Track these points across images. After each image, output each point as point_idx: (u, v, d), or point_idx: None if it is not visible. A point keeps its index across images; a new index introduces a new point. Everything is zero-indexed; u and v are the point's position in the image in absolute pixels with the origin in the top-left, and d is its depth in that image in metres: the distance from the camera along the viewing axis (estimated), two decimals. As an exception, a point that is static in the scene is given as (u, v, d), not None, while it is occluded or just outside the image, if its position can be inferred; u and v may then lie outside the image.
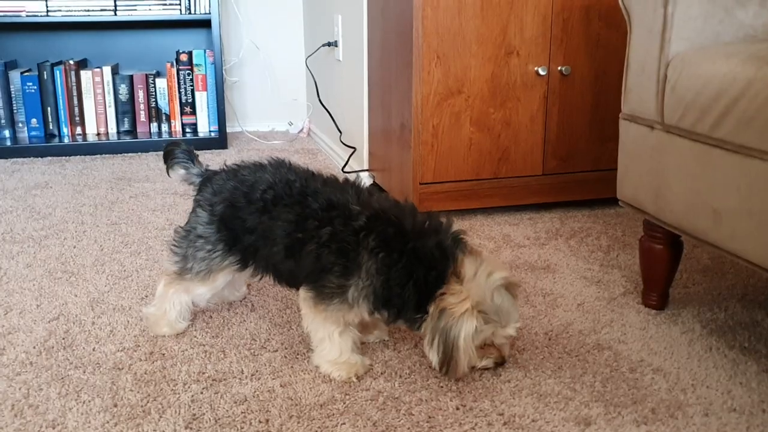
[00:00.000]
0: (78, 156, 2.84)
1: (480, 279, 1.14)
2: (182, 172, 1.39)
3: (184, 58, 2.97)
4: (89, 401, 1.17)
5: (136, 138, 2.94)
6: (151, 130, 3.03)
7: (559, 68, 1.97)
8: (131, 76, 3.00)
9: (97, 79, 2.98)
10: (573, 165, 2.08)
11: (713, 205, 1.22)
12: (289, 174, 1.27)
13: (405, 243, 1.14)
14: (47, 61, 2.99)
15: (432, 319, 1.14)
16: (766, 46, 1.19)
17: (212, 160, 2.76)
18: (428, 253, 1.14)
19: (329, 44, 2.70)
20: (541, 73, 1.96)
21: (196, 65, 2.98)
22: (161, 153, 1.42)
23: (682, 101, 1.26)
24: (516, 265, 1.72)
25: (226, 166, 1.37)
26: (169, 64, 3.00)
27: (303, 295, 1.22)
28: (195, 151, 1.41)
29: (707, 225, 1.24)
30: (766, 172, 1.10)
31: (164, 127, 3.04)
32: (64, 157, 2.81)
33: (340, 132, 2.66)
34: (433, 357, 1.16)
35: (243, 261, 1.30)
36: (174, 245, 1.36)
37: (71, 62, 2.93)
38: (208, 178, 1.35)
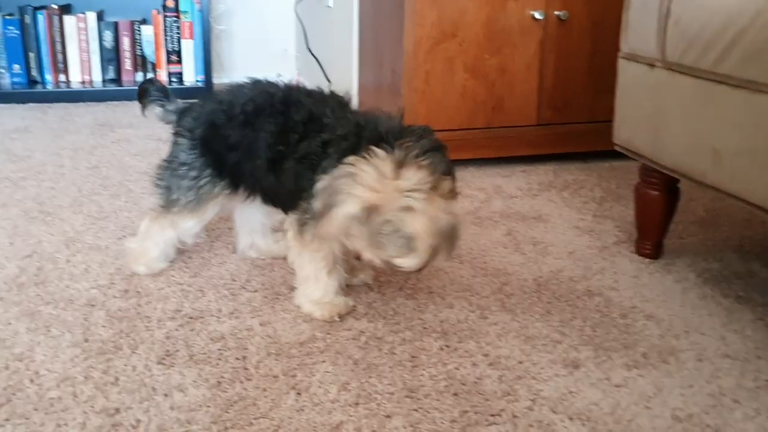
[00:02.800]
0: (60, 103, 2.75)
1: (401, 185, 1.00)
2: (158, 110, 1.32)
3: (170, 4, 2.87)
4: (59, 336, 1.12)
5: (121, 86, 2.85)
6: (137, 79, 2.94)
7: (556, 13, 1.90)
8: (116, 23, 2.90)
9: (81, 25, 2.87)
10: (568, 116, 2.01)
11: (714, 145, 1.17)
12: (269, 87, 1.21)
13: (363, 147, 1.05)
14: (29, 5, 2.88)
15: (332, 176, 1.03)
16: (776, -23, 1.13)
17: (199, 109, 2.68)
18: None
19: (321, -9, 2.61)
20: (538, 17, 1.88)
21: (183, 12, 2.88)
22: None
23: (685, 36, 1.20)
24: (507, 215, 1.67)
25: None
26: (155, 11, 2.90)
27: (289, 220, 1.18)
28: (169, 92, 1.34)
29: (706, 166, 1.19)
30: (772, 107, 1.05)
31: (150, 76, 2.95)
32: (46, 104, 2.72)
33: (330, 81, 2.59)
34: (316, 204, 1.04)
35: (233, 184, 1.24)
36: (157, 179, 1.30)
37: (54, 6, 2.83)
38: (185, 109, 1.30)
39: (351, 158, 1.02)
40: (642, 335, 1.16)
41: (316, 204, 1.08)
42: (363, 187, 0.99)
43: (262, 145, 1.16)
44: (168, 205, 1.28)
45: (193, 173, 1.25)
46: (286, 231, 1.21)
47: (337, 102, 1.18)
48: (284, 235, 1.44)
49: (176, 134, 1.28)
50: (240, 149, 1.20)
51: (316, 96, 1.19)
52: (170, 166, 1.28)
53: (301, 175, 1.12)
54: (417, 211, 0.99)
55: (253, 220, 1.39)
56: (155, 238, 1.31)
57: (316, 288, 1.19)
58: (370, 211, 0.99)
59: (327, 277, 1.18)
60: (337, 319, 1.17)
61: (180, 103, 1.33)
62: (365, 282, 1.31)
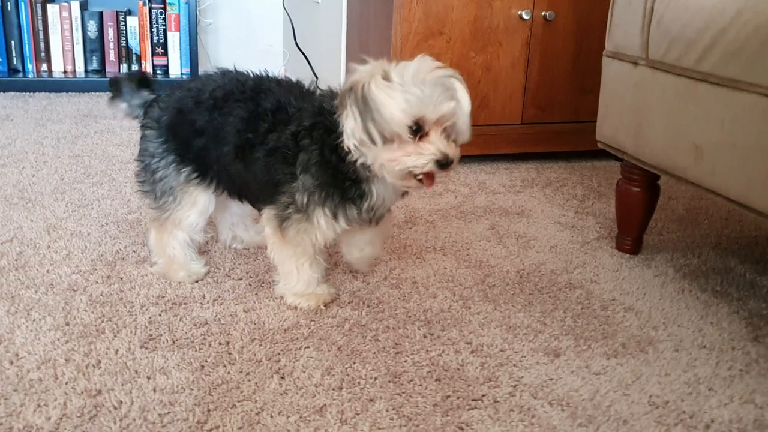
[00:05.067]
0: (43, 92, 2.72)
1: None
2: (123, 105, 1.29)
3: (156, -5, 2.85)
4: (40, 319, 1.11)
5: (105, 77, 2.83)
6: (121, 71, 2.92)
7: (543, 13, 1.92)
8: (101, 13, 2.87)
9: (65, 14, 2.85)
10: (552, 115, 2.04)
11: (695, 141, 1.19)
12: (239, 76, 1.20)
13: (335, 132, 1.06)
14: (12, -8, 2.84)
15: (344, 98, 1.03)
16: (757, -22, 1.15)
17: (183, 102, 2.67)
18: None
19: (308, -13, 2.61)
20: (525, 17, 1.91)
21: (169, 4, 2.86)
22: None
23: (668, 34, 1.23)
24: (490, 210, 1.68)
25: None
26: (141, 2, 2.88)
27: (266, 215, 1.16)
28: (149, 78, 1.31)
29: (687, 162, 1.21)
30: (752, 104, 1.07)
31: (134, 68, 2.92)
32: (27, 93, 2.69)
33: (317, 78, 2.59)
34: (351, 125, 1.02)
35: (199, 171, 1.21)
36: (138, 183, 1.26)
37: (37, -5, 2.80)
38: (154, 100, 1.26)
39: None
40: (621, 326, 1.18)
41: (300, 197, 1.08)
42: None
43: (230, 130, 1.14)
44: (158, 208, 1.24)
45: (162, 162, 1.21)
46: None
47: (301, 91, 1.16)
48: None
49: (144, 126, 1.25)
50: (206, 134, 1.17)
51: (284, 85, 1.18)
52: (144, 162, 1.24)
53: (273, 168, 1.11)
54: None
55: (231, 214, 1.37)
56: (172, 245, 1.26)
57: (299, 281, 1.18)
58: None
59: (309, 270, 1.17)
60: (323, 307, 1.18)
61: (146, 95, 1.28)
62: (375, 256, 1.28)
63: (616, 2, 1.37)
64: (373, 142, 1.02)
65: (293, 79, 1.21)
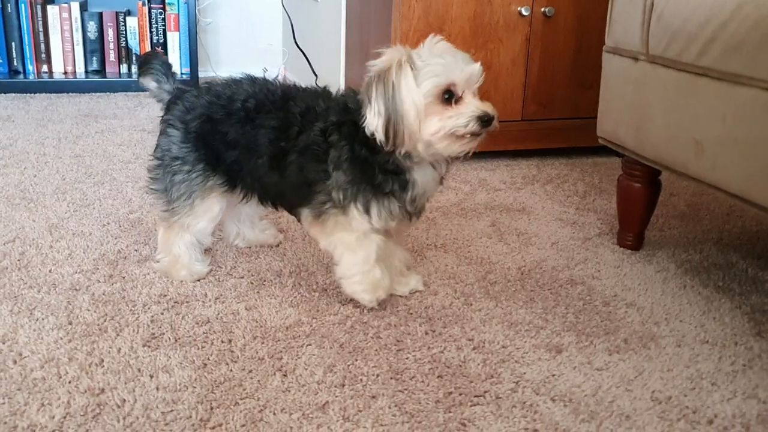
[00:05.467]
0: (43, 93, 2.72)
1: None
2: (153, 84, 1.27)
3: (156, -5, 2.85)
4: (42, 319, 1.11)
5: (105, 78, 2.83)
6: (121, 71, 2.92)
7: (542, 9, 1.92)
8: (101, 14, 2.88)
9: (65, 15, 2.85)
10: (552, 111, 2.04)
11: (695, 136, 1.19)
12: (268, 84, 1.20)
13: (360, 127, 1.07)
14: (12, -7, 2.85)
15: (369, 87, 1.04)
16: (757, -28, 1.15)
17: (184, 101, 2.67)
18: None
19: (308, -15, 2.61)
20: (524, 13, 1.90)
21: (169, 4, 2.86)
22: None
23: (668, 29, 1.23)
24: (491, 207, 1.68)
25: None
26: (140, 3, 2.88)
27: (307, 220, 1.14)
28: (173, 68, 1.30)
29: (688, 157, 1.21)
30: (753, 99, 1.07)
31: (134, 68, 2.93)
32: (28, 94, 2.69)
33: (316, 76, 2.59)
34: (375, 121, 1.04)
35: (229, 182, 1.20)
36: (151, 179, 1.25)
37: (37, -4, 2.80)
38: (177, 96, 1.25)
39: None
40: (623, 322, 1.18)
41: (336, 195, 1.08)
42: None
43: (263, 141, 1.14)
44: (170, 210, 1.23)
45: (186, 167, 1.20)
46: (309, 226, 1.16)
47: (328, 94, 1.17)
48: (271, 224, 1.45)
49: (167, 123, 1.23)
50: (239, 147, 1.16)
51: (310, 90, 1.18)
52: (163, 162, 1.22)
53: (306, 168, 1.11)
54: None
55: (239, 210, 1.37)
56: (178, 245, 1.25)
57: (355, 262, 1.13)
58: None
59: (367, 246, 1.12)
60: (375, 305, 1.15)
61: (175, 86, 1.27)
62: (416, 289, 1.25)
63: (616, -2, 1.37)
64: (396, 135, 1.03)
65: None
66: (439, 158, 1.11)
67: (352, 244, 1.12)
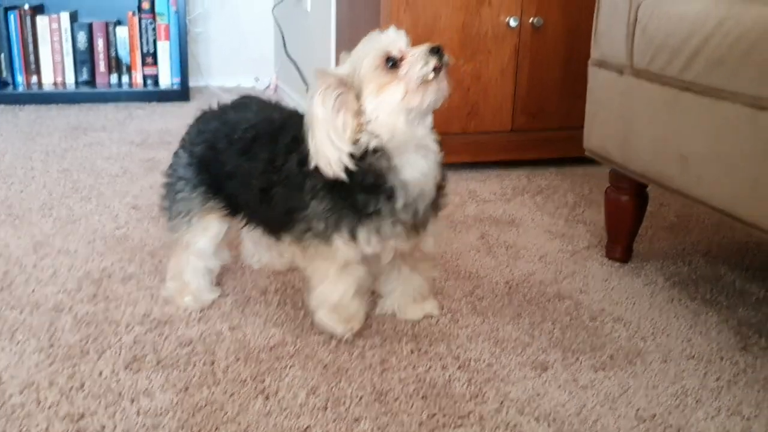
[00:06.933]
0: (33, 105, 2.71)
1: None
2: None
3: (146, 6, 2.85)
4: (24, 341, 1.10)
5: (95, 88, 2.82)
6: (111, 81, 2.91)
7: (531, 20, 1.92)
8: (90, 24, 2.87)
9: (54, 26, 2.84)
10: (542, 122, 2.03)
11: (680, 151, 1.19)
12: (273, 112, 1.18)
13: None
14: (0, 4, 2.84)
15: None
16: (740, -14, 1.15)
17: (174, 112, 2.66)
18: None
19: (297, -5, 2.61)
20: (513, 24, 1.90)
21: (159, 14, 2.86)
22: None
23: (652, 43, 1.22)
24: (480, 219, 1.68)
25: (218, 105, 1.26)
26: (130, 13, 2.87)
27: (292, 249, 1.12)
28: None
29: (674, 171, 1.21)
30: (736, 114, 1.07)
31: (125, 78, 2.92)
32: (17, 106, 2.69)
33: (307, 86, 2.58)
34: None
35: (230, 208, 1.19)
36: (161, 196, 1.25)
37: (26, 7, 2.79)
38: (198, 116, 1.24)
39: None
40: (610, 337, 1.17)
41: (316, 224, 1.05)
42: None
43: (255, 174, 1.12)
44: (171, 227, 1.22)
45: (188, 187, 1.20)
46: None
47: None
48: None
49: (180, 143, 1.24)
50: (236, 179, 1.15)
51: (301, 117, 1.13)
52: (171, 179, 1.22)
53: (287, 197, 1.09)
54: None
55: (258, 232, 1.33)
56: (187, 270, 1.23)
57: (333, 291, 1.10)
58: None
59: (344, 277, 1.09)
60: (350, 336, 1.12)
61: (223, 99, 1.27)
62: (431, 314, 1.22)
63: (601, 10, 1.37)
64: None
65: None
66: (415, 140, 1.06)
67: (331, 275, 1.08)
